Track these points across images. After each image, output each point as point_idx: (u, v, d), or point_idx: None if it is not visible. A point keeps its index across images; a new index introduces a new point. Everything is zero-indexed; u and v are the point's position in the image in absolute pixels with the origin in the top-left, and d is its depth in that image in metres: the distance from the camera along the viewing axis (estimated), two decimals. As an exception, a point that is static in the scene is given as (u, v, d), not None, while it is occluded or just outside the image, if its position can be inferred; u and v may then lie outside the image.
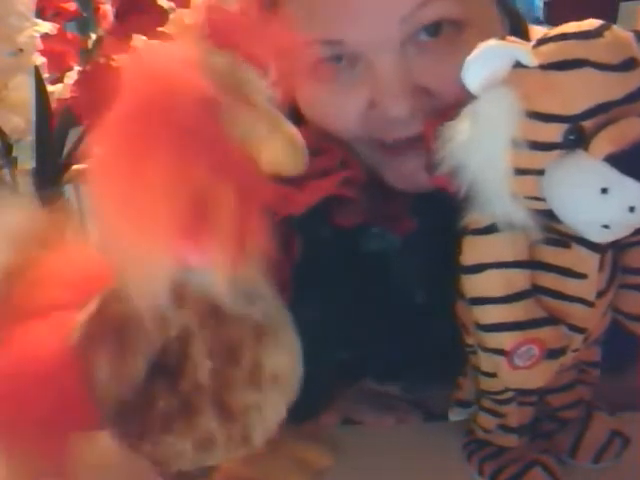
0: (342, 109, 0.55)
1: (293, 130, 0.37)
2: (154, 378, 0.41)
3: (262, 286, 0.41)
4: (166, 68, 0.36)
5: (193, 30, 0.39)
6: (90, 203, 0.37)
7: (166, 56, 0.36)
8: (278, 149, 0.36)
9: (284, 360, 0.42)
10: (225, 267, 0.36)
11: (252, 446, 0.43)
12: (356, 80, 0.54)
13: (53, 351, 0.40)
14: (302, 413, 0.46)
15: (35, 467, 0.42)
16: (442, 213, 0.45)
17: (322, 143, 0.53)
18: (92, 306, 0.42)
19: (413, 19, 0.52)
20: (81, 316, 0.42)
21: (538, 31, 0.61)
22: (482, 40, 0.53)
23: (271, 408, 0.42)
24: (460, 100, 0.43)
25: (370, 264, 0.55)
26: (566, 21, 0.43)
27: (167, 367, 0.41)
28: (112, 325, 0.40)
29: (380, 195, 0.57)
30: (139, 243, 0.35)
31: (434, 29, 0.53)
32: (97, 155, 0.36)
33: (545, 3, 2.35)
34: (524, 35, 0.60)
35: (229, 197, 0.34)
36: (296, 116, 0.59)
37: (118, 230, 0.36)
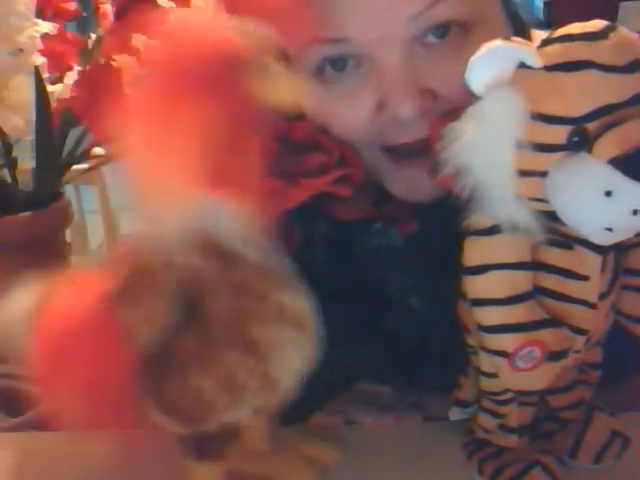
0: (349, 113, 0.55)
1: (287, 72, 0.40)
2: (180, 323, 0.42)
3: (273, 246, 0.43)
4: (197, 27, 0.40)
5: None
6: (125, 144, 0.39)
7: (196, 18, 0.41)
8: (281, 87, 0.39)
9: (302, 303, 0.44)
10: (244, 208, 0.39)
11: (277, 392, 0.44)
12: (362, 83, 0.54)
13: (87, 307, 0.43)
14: (297, 411, 0.46)
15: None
16: (445, 213, 0.44)
17: (321, 138, 0.53)
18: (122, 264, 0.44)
19: (421, 19, 0.51)
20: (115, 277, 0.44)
21: (540, 35, 0.61)
22: (489, 40, 0.54)
23: (291, 349, 0.43)
24: (466, 103, 0.43)
25: (369, 261, 0.55)
26: (566, 21, 0.43)
27: (184, 308, 0.42)
28: (143, 276, 0.42)
29: (382, 193, 0.57)
30: (166, 187, 0.38)
31: (442, 31, 0.52)
32: (133, 100, 0.40)
33: (545, 3, 2.34)
34: (526, 39, 0.59)
35: (249, 149, 0.39)
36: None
37: (148, 174, 0.38)
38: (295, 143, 0.52)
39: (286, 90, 0.39)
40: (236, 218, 0.40)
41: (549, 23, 0.67)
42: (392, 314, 0.56)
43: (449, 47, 0.52)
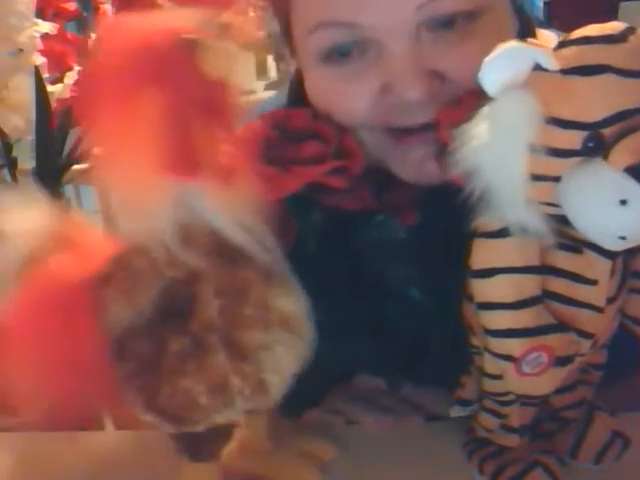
0: (353, 96, 0.54)
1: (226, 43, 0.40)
2: (165, 322, 0.42)
3: (268, 237, 0.42)
4: (143, 19, 0.39)
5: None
6: (94, 148, 0.40)
7: (142, 16, 0.40)
8: (222, 58, 0.40)
9: (293, 304, 0.43)
10: (220, 197, 0.39)
11: (269, 395, 0.43)
12: (367, 67, 0.54)
13: (70, 283, 0.43)
14: (296, 405, 0.46)
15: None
16: (451, 210, 0.44)
17: (320, 127, 0.53)
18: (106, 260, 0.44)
19: (429, 8, 0.51)
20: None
21: (545, 35, 0.61)
22: (496, 28, 0.53)
23: (283, 352, 0.43)
24: (474, 86, 0.42)
25: (370, 253, 0.55)
26: (566, 21, 0.43)
27: (177, 309, 0.42)
28: (121, 259, 0.43)
29: (385, 183, 0.57)
30: (136, 182, 0.38)
31: (449, 22, 0.52)
32: (90, 102, 0.40)
33: (545, 3, 2.35)
34: (532, 35, 0.60)
35: (209, 127, 0.38)
36: (302, 98, 0.59)
37: (116, 174, 0.39)
38: (293, 131, 0.52)
39: (229, 60, 0.39)
40: (219, 204, 0.40)
41: (549, 22, 0.67)
42: (392, 307, 0.56)
43: (456, 31, 0.53)
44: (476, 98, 0.42)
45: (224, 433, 0.47)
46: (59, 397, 0.43)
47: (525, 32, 0.58)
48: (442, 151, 0.43)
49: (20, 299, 0.43)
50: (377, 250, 0.55)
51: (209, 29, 0.39)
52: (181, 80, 0.38)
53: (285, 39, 0.60)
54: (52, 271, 0.44)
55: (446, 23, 0.52)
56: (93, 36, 0.81)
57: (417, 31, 0.52)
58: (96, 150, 0.39)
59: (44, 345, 0.42)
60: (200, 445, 0.47)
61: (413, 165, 0.56)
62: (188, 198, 0.39)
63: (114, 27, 0.40)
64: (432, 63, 0.52)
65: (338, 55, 0.54)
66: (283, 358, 0.43)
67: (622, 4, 2.32)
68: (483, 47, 0.51)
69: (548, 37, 0.61)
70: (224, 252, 0.41)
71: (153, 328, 0.42)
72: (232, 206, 0.40)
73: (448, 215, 0.45)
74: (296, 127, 0.52)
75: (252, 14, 0.43)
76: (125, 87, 0.38)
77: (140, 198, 0.39)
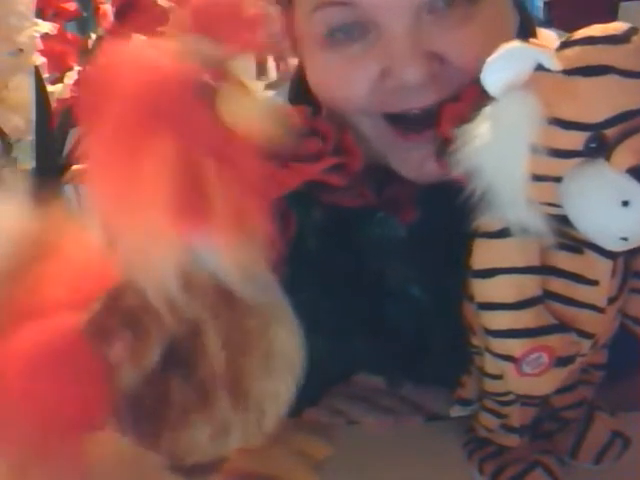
0: (353, 80, 0.55)
1: (261, 93, 0.39)
2: (169, 372, 0.41)
3: (265, 272, 0.41)
4: (151, 58, 0.36)
5: (179, 23, 0.40)
6: (90, 200, 0.37)
7: (150, 48, 0.37)
8: (249, 111, 0.37)
9: (292, 344, 0.43)
10: (228, 248, 0.37)
11: (265, 431, 0.43)
12: (367, 51, 0.54)
13: (64, 334, 0.40)
14: (295, 403, 0.46)
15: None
16: (452, 208, 0.44)
17: (318, 124, 0.53)
18: (103, 299, 0.41)
19: None
20: (91, 309, 0.41)
21: (546, 34, 0.61)
22: (495, 14, 0.53)
23: (285, 392, 0.43)
24: (473, 68, 0.42)
25: (370, 251, 0.55)
26: (566, 21, 0.43)
27: (181, 360, 0.41)
28: (126, 316, 0.40)
29: (386, 180, 0.57)
30: (142, 232, 0.36)
31: (449, 4, 0.52)
32: (92, 151, 0.37)
33: (545, 3, 2.35)
34: (532, 35, 0.60)
35: (224, 177, 0.36)
36: (303, 95, 0.60)
37: (120, 221, 0.36)
38: (293, 127, 0.52)
39: (251, 110, 0.37)
40: (228, 254, 0.37)
41: (549, 22, 0.67)
42: (392, 305, 0.56)
43: (456, 14, 0.53)
44: (477, 93, 0.42)
45: (217, 462, 0.47)
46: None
47: (526, 30, 0.58)
48: (443, 147, 0.43)
49: (15, 352, 0.40)
50: (377, 248, 0.55)
51: (227, 66, 0.37)
52: (195, 125, 0.36)
53: (287, 29, 0.60)
54: (49, 322, 0.41)
55: (446, 5, 0.52)
56: (94, 36, 0.81)
57: (417, 12, 0.52)
58: (98, 191, 0.37)
59: (44, 400, 0.39)
60: (195, 471, 0.46)
61: (414, 163, 0.56)
62: (194, 248, 0.38)
63: (126, 60, 0.37)
64: (431, 44, 0.52)
65: (338, 37, 0.54)
66: (283, 397, 0.43)
67: (622, 4, 2.32)
68: (482, 31, 0.52)
69: (549, 36, 0.61)
70: (227, 302, 0.40)
71: (156, 378, 0.41)
72: (238, 256, 0.37)
73: (449, 214, 0.45)
74: (297, 123, 0.52)
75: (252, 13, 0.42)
76: (137, 128, 0.36)
77: (146, 246, 0.36)
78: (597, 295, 0.45)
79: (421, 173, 0.55)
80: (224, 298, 0.40)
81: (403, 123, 0.56)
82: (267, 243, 0.38)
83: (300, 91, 0.62)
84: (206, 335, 0.40)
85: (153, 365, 0.40)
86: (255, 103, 0.38)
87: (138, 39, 0.39)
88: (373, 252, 0.55)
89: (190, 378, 0.41)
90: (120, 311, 0.40)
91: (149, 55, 0.37)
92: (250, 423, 0.42)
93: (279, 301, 0.43)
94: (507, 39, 0.44)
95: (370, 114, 0.56)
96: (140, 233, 0.36)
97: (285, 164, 0.49)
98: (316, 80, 0.58)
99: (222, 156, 0.36)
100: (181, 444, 0.42)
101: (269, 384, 0.42)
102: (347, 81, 0.55)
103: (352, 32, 0.54)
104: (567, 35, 0.42)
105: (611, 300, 0.46)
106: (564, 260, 0.45)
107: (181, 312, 0.39)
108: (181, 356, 0.41)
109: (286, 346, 0.42)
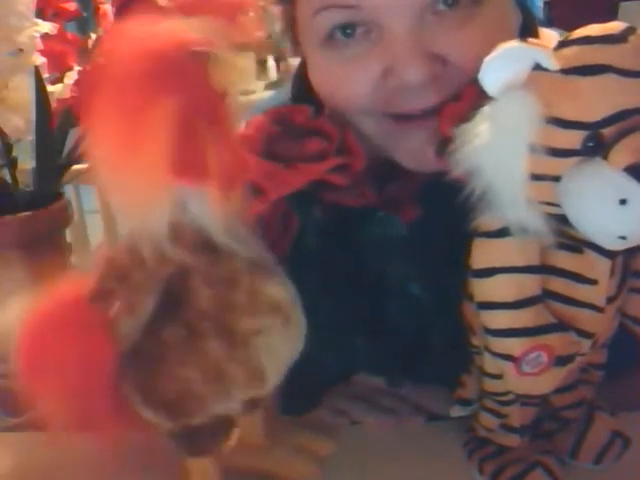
0: (355, 79, 0.55)
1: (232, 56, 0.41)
2: (160, 314, 0.43)
3: (244, 227, 0.44)
4: (151, 29, 0.40)
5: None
6: (93, 152, 0.40)
7: (147, 21, 0.41)
8: (231, 68, 0.41)
9: (281, 292, 0.44)
10: (216, 201, 0.40)
11: (265, 382, 0.44)
12: (369, 50, 0.54)
13: (70, 300, 0.44)
14: (295, 403, 0.46)
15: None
16: (452, 207, 0.44)
17: (321, 124, 0.53)
18: (100, 266, 0.44)
19: None
20: (91, 277, 0.44)
21: (547, 33, 0.61)
22: (497, 15, 0.54)
23: (276, 337, 0.44)
24: (475, 70, 0.42)
25: (370, 250, 0.55)
26: (566, 21, 0.43)
27: (171, 301, 0.43)
28: (120, 277, 0.43)
29: (387, 178, 0.57)
30: (139, 182, 0.38)
31: (452, 5, 0.52)
32: (98, 108, 0.39)
33: (545, 3, 2.35)
34: (534, 34, 0.60)
35: (214, 136, 0.39)
36: (309, 97, 0.60)
37: (121, 172, 0.39)
38: (295, 127, 0.52)
39: (236, 72, 0.40)
40: (215, 207, 0.40)
41: (549, 22, 0.67)
42: (392, 304, 0.56)
43: (459, 15, 0.53)
44: (476, 92, 0.42)
45: (222, 427, 0.47)
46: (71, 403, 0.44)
47: (528, 30, 0.58)
48: (443, 144, 0.43)
49: (21, 333, 0.44)
50: (378, 247, 0.55)
51: (217, 39, 0.39)
52: (191, 90, 0.39)
53: (289, 27, 0.60)
54: (46, 300, 0.45)
55: (449, 6, 0.53)
56: (94, 36, 0.81)
57: (420, 13, 0.52)
58: (100, 151, 0.40)
59: (56, 364, 0.43)
60: (199, 440, 0.47)
61: (413, 152, 0.56)
62: (185, 200, 0.40)
63: (126, 34, 0.41)
64: (434, 45, 0.52)
65: (340, 37, 0.54)
66: (276, 344, 0.44)
67: (622, 4, 2.32)
68: (485, 32, 0.52)
69: (550, 35, 0.61)
70: (211, 248, 0.42)
71: (149, 322, 0.43)
72: (223, 211, 0.41)
73: (449, 212, 0.45)
74: (298, 123, 0.52)
75: (253, 13, 0.43)
76: (141, 87, 0.38)
77: (141, 199, 0.39)
78: (596, 294, 0.45)
79: (420, 162, 0.55)
80: (207, 244, 0.42)
81: (402, 118, 0.56)
82: (247, 204, 0.42)
83: (302, 90, 0.62)
84: (191, 276, 0.42)
85: (148, 314, 0.43)
86: (240, 66, 0.41)
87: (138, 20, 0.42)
88: (373, 251, 0.55)
89: (179, 317, 0.43)
90: (115, 274, 0.43)
91: (149, 27, 0.40)
92: (242, 365, 0.43)
93: (264, 257, 0.44)
94: (509, 40, 0.44)
95: (371, 113, 0.56)
96: (137, 184, 0.39)
97: (289, 164, 0.49)
98: (318, 79, 0.58)
99: (213, 115, 0.40)
100: (175, 388, 0.43)
101: (256, 322, 0.43)
102: (349, 80, 0.55)
103: (354, 32, 0.54)
104: (566, 34, 0.42)
105: (610, 299, 0.46)
106: (563, 259, 0.45)
107: (169, 258, 0.42)
108: (170, 297, 0.43)
109: (275, 291, 0.44)
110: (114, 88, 0.39)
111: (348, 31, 0.54)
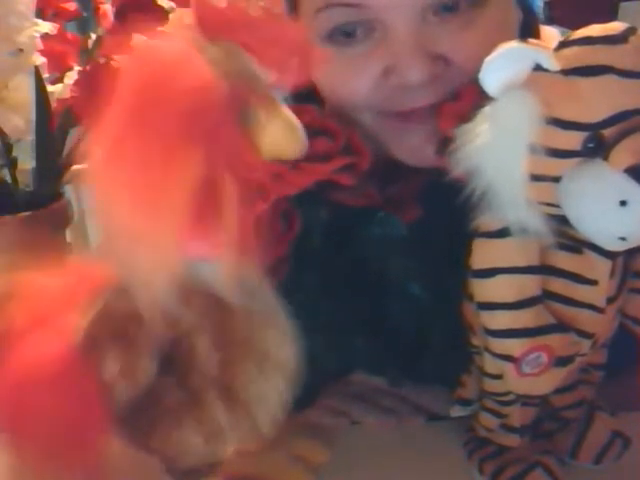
0: (356, 76, 0.55)
1: (290, 114, 0.38)
2: (162, 374, 0.40)
3: (260, 279, 0.41)
4: (166, 58, 0.35)
5: (188, 27, 0.38)
6: (94, 198, 0.36)
7: (165, 48, 0.36)
8: (277, 133, 0.37)
9: (286, 348, 0.43)
10: (231, 260, 0.36)
11: (261, 434, 0.43)
12: (371, 49, 0.54)
13: (56, 354, 0.39)
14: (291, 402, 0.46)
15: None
16: (453, 207, 0.44)
17: (328, 124, 0.53)
18: (94, 306, 0.40)
19: None
20: (82, 316, 0.40)
21: (548, 31, 0.62)
22: (499, 16, 0.54)
23: (276, 396, 0.43)
24: (476, 70, 0.42)
25: (371, 249, 0.55)
26: (566, 21, 0.43)
27: (174, 363, 0.40)
28: (118, 325, 0.39)
29: (389, 179, 0.57)
30: (147, 234, 0.35)
31: (454, 6, 0.53)
32: (100, 148, 0.35)
33: (545, 3, 2.34)
34: (535, 33, 0.60)
35: (234, 186, 0.35)
36: (307, 93, 0.60)
37: (125, 222, 0.35)
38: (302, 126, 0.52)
39: (279, 135, 0.37)
40: (229, 270, 0.37)
41: (549, 22, 0.67)
42: (392, 304, 0.56)
43: (461, 16, 0.53)
44: (476, 92, 0.42)
45: (212, 465, 0.47)
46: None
47: (529, 29, 0.58)
48: (444, 144, 0.43)
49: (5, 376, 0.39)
50: (378, 247, 0.55)
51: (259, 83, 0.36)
52: (224, 141, 0.35)
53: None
54: (31, 345, 0.39)
55: (451, 7, 0.53)
56: (94, 36, 0.81)
57: (422, 13, 0.52)
58: (114, 193, 0.35)
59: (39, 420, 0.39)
60: (189, 476, 0.46)
61: (412, 149, 0.56)
62: (197, 261, 0.37)
63: (135, 58, 0.36)
64: (435, 46, 0.53)
65: (343, 35, 0.55)
66: (274, 402, 0.43)
67: (622, 4, 2.32)
68: (486, 33, 0.52)
69: (551, 33, 0.61)
70: (221, 307, 0.39)
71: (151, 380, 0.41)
72: (235, 269, 0.37)
73: (450, 212, 0.45)
74: (304, 123, 0.52)
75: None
76: (143, 132, 0.34)
77: (147, 251, 0.35)
78: (596, 295, 0.45)
79: (420, 158, 0.56)
80: (216, 304, 0.39)
81: (404, 117, 0.56)
82: (263, 251, 0.37)
83: (303, 88, 0.62)
84: (198, 339, 0.40)
85: (149, 379, 0.39)
86: (284, 127, 0.37)
87: (153, 38, 0.37)
88: (373, 251, 0.55)
89: (182, 381, 0.40)
90: (109, 321, 0.39)
91: (166, 52, 0.36)
92: (243, 426, 0.42)
93: (273, 306, 0.42)
94: (510, 39, 0.44)
95: (372, 110, 0.56)
96: (144, 233, 0.35)
97: (295, 164, 0.49)
98: (319, 76, 0.58)
99: (239, 174, 0.35)
100: (173, 446, 0.41)
101: (261, 387, 0.42)
102: (350, 77, 0.55)
103: (356, 31, 0.54)
104: (567, 34, 0.42)
105: (610, 300, 0.46)
106: (563, 260, 0.45)
107: (173, 319, 0.38)
108: (174, 359, 0.40)
109: (279, 350, 0.42)
110: (128, 119, 0.34)
111: (349, 31, 0.54)
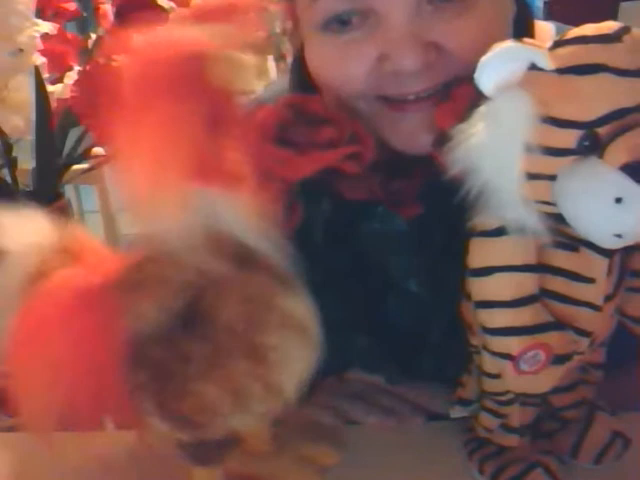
0: (351, 63, 0.55)
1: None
2: (185, 329, 0.42)
3: (280, 240, 0.43)
4: (163, 34, 0.40)
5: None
6: (118, 168, 0.40)
7: (162, 31, 0.41)
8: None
9: (306, 309, 0.44)
10: (246, 206, 0.40)
11: (283, 398, 0.44)
12: (366, 36, 0.54)
13: (84, 288, 0.43)
14: None
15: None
16: (452, 203, 0.44)
17: (333, 114, 0.53)
18: (132, 261, 0.44)
19: None
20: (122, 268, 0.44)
21: (543, 26, 0.62)
22: (493, 6, 0.54)
23: (297, 355, 0.43)
24: (469, 58, 0.42)
25: (371, 244, 0.55)
26: (566, 21, 0.43)
27: (200, 320, 0.42)
28: (152, 272, 0.43)
29: (390, 173, 0.57)
30: (167, 189, 0.38)
31: None
32: (112, 117, 0.39)
33: (545, 3, 2.35)
34: (529, 28, 0.60)
35: (221, 135, 0.39)
36: (307, 83, 0.60)
37: (147, 181, 0.39)
38: (308, 115, 0.52)
39: (250, 74, 0.40)
40: (238, 210, 0.40)
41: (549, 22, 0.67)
42: (391, 300, 0.56)
43: (455, 5, 0.53)
44: (471, 92, 0.42)
45: (233, 439, 0.47)
46: (70, 399, 0.43)
47: (523, 21, 0.58)
48: (441, 141, 0.43)
49: (39, 300, 0.44)
50: (378, 242, 0.55)
51: (228, 41, 0.40)
52: (210, 93, 0.39)
53: (287, 15, 0.60)
54: (70, 276, 0.44)
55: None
56: (94, 36, 0.82)
57: (417, 2, 0.53)
58: (112, 157, 0.40)
59: (62, 348, 0.42)
60: (207, 451, 0.47)
61: (405, 136, 0.56)
62: (210, 205, 0.40)
63: (143, 41, 0.41)
64: (430, 34, 0.53)
65: (338, 23, 0.55)
66: (295, 362, 0.44)
67: (622, 4, 2.32)
68: (480, 22, 0.52)
69: (546, 28, 0.61)
70: (244, 259, 0.41)
71: (172, 335, 0.42)
72: (247, 212, 0.40)
73: (449, 209, 0.45)
74: (312, 111, 0.53)
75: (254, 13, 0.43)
76: (150, 97, 0.39)
77: (159, 202, 0.39)
78: (593, 293, 0.45)
79: (413, 144, 0.56)
80: (240, 254, 0.41)
81: (398, 103, 0.56)
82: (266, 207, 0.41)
83: (300, 75, 0.62)
84: (222, 289, 0.42)
85: (172, 316, 0.42)
86: (244, 64, 0.41)
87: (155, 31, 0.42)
88: (374, 246, 0.55)
89: (206, 333, 0.42)
90: (146, 268, 0.43)
91: (164, 34, 0.40)
92: (266, 383, 0.42)
93: (289, 267, 0.44)
94: (504, 30, 0.44)
95: (366, 97, 0.56)
96: (165, 191, 0.38)
97: (302, 151, 0.49)
98: (314, 62, 0.59)
99: (216, 117, 0.40)
100: (201, 405, 0.42)
101: (283, 342, 0.43)
102: (345, 64, 0.56)
103: (351, 19, 0.55)
104: (563, 30, 0.42)
105: (608, 298, 0.46)
106: (561, 258, 0.45)
107: (201, 265, 0.41)
108: (197, 312, 0.42)
109: (302, 313, 0.43)
110: (137, 96, 0.39)
111: (344, 19, 0.55)
